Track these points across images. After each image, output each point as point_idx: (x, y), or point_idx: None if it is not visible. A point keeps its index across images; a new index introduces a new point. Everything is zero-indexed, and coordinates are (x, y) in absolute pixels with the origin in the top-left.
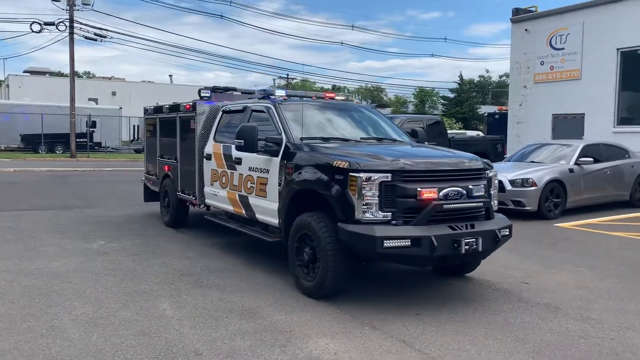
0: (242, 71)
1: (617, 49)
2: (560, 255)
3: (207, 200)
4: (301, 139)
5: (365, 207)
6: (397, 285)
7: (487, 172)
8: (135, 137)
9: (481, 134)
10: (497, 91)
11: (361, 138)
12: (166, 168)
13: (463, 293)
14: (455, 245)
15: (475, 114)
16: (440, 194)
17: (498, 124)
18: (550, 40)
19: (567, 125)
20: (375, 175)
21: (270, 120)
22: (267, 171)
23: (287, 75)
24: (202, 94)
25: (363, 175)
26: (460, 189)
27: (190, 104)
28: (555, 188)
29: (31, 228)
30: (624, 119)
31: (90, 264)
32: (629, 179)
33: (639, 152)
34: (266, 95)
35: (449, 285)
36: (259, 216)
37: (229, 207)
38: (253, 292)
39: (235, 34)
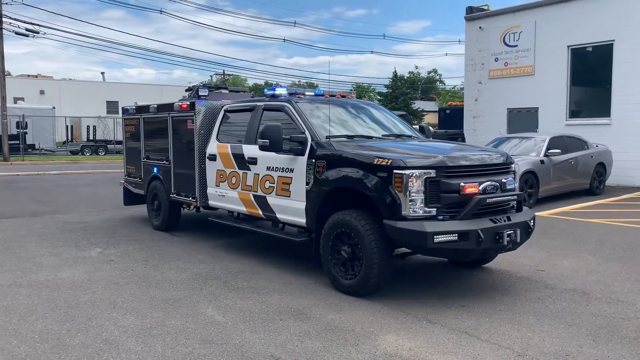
0: (167, 67)
1: (568, 46)
2: (555, 242)
3: (211, 202)
4: (327, 137)
5: (412, 203)
6: (424, 279)
7: (512, 165)
8: (70, 138)
9: (431, 128)
10: (425, 87)
11: (382, 135)
12: (155, 170)
13: (492, 283)
14: (497, 237)
15: (410, 109)
16: (480, 188)
17: (449, 119)
18: (504, 37)
19: (522, 119)
20: (420, 172)
21: (289, 119)
22: (291, 170)
23: (224, 71)
24: (200, 93)
25: (408, 172)
26: (495, 182)
27: (187, 103)
28: (529, 179)
29: (11, 238)
30: (574, 112)
31: (103, 273)
32: (589, 168)
33: (594, 142)
34: (278, 93)
35: (473, 277)
36: (280, 216)
37: (241, 208)
38: (289, 292)
39: (158, 29)
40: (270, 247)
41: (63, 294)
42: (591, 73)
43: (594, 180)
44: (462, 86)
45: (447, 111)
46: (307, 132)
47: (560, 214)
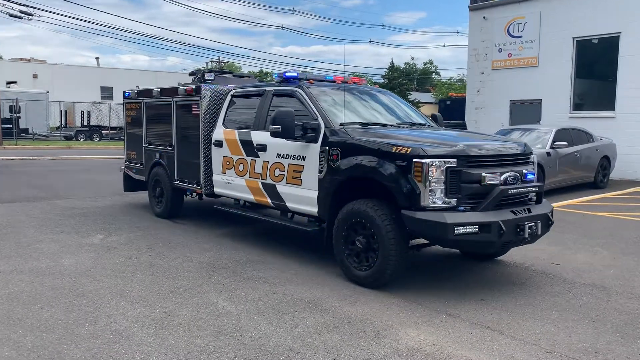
0: (160, 53)
1: (573, 38)
2: (567, 236)
3: (216, 189)
4: (341, 124)
5: (431, 193)
6: (438, 271)
7: (532, 156)
8: (64, 123)
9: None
10: (421, 78)
11: (397, 123)
12: (157, 156)
13: (508, 277)
14: (519, 229)
15: (406, 100)
16: (501, 178)
17: (450, 110)
18: (508, 28)
19: (525, 111)
20: (441, 161)
21: (300, 105)
22: (303, 158)
23: (219, 58)
24: (206, 77)
25: (429, 160)
26: (516, 173)
27: (193, 87)
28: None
29: (9, 223)
30: (578, 105)
31: (106, 260)
32: (593, 161)
33: (598, 135)
34: (288, 78)
35: (488, 269)
36: (290, 205)
37: (249, 196)
38: (301, 283)
39: (152, 15)
40: (275, 236)
41: (67, 282)
42: (596, 65)
43: (598, 174)
44: (458, 78)
45: (448, 102)
46: (320, 119)
47: (566, 207)
